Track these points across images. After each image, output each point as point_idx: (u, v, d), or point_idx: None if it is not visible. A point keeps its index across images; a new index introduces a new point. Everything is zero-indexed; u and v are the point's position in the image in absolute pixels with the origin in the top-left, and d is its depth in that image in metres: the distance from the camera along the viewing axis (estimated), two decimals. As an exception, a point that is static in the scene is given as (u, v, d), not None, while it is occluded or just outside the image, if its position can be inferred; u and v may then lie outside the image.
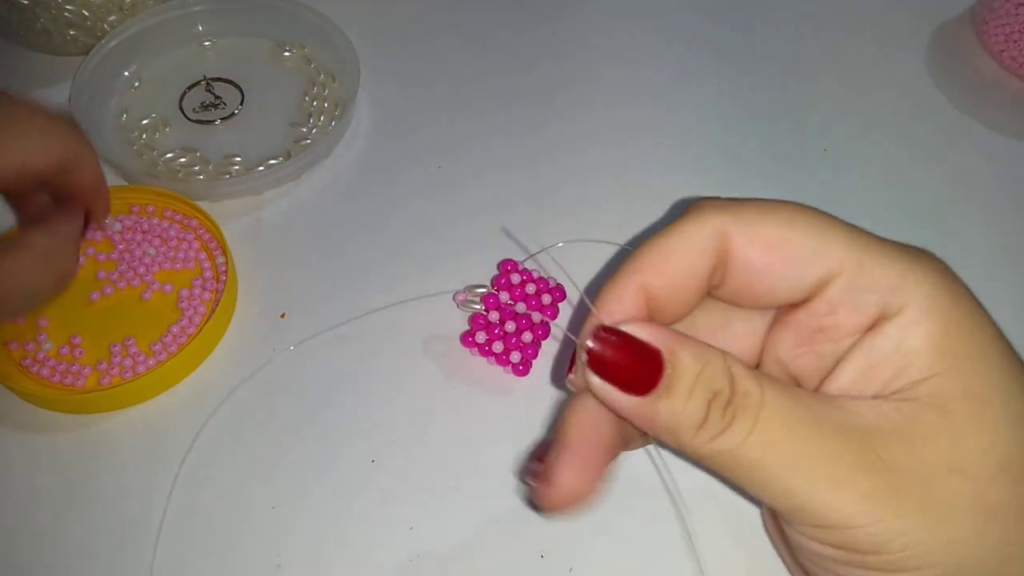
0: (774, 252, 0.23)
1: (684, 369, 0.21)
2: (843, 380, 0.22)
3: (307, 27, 0.48)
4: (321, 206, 0.43)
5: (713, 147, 0.45)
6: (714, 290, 0.24)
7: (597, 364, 0.22)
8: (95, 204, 0.35)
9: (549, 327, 0.38)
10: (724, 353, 0.22)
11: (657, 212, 0.42)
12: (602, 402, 0.22)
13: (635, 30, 0.51)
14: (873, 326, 0.22)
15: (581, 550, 0.32)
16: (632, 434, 0.26)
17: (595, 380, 0.22)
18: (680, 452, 0.22)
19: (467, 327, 0.38)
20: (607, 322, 0.23)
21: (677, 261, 0.23)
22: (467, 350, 0.38)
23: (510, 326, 0.37)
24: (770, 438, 0.20)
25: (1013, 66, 0.49)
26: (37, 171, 0.31)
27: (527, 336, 0.37)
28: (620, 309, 0.23)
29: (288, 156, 0.44)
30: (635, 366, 0.22)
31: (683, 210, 0.24)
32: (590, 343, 0.22)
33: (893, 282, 0.22)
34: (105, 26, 0.47)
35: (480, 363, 0.38)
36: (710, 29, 0.51)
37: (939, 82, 0.49)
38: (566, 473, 0.23)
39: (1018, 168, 0.45)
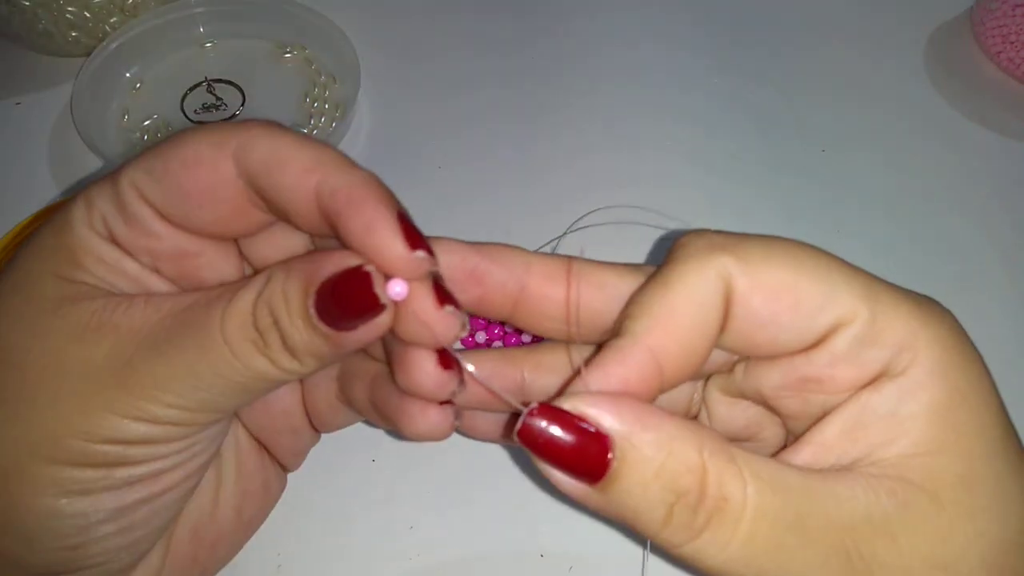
0: (781, 300, 0.20)
1: (638, 460, 0.18)
2: (828, 434, 0.21)
3: (308, 29, 0.48)
4: (322, 207, 0.43)
5: (712, 148, 0.45)
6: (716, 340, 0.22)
7: (530, 443, 0.19)
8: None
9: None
10: (702, 439, 0.19)
11: (657, 217, 0.42)
12: (551, 482, 0.20)
13: (635, 34, 0.51)
14: (872, 383, 0.20)
15: (581, 550, 0.33)
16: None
17: (538, 461, 0.19)
18: None
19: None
20: (597, 386, 0.20)
21: (685, 318, 0.20)
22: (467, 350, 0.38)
23: (510, 326, 0.37)
24: (751, 551, 0.19)
25: (1010, 68, 0.49)
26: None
27: (527, 336, 0.37)
28: (620, 375, 0.20)
29: (289, 157, 0.44)
30: (577, 451, 0.19)
31: (674, 246, 0.22)
32: (526, 419, 0.19)
33: (903, 339, 0.20)
34: (107, 27, 0.47)
35: (480, 363, 0.38)
36: (710, 32, 0.52)
37: (936, 83, 0.49)
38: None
39: (1015, 169, 0.46)
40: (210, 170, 0.22)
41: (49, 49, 0.48)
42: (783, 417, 0.23)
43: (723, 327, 0.21)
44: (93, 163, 0.44)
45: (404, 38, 0.51)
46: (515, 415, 0.19)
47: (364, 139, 0.46)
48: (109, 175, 0.23)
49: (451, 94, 0.48)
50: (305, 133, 0.23)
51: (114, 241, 0.23)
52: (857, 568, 0.19)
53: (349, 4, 0.51)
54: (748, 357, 0.23)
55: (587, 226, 0.41)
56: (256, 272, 0.25)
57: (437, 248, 0.22)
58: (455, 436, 0.35)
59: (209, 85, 0.47)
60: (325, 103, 0.47)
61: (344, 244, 0.21)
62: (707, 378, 0.25)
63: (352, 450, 0.35)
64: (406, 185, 0.44)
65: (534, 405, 0.19)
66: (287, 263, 0.22)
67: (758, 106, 0.48)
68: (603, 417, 0.19)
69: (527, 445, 0.19)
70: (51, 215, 0.24)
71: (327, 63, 0.48)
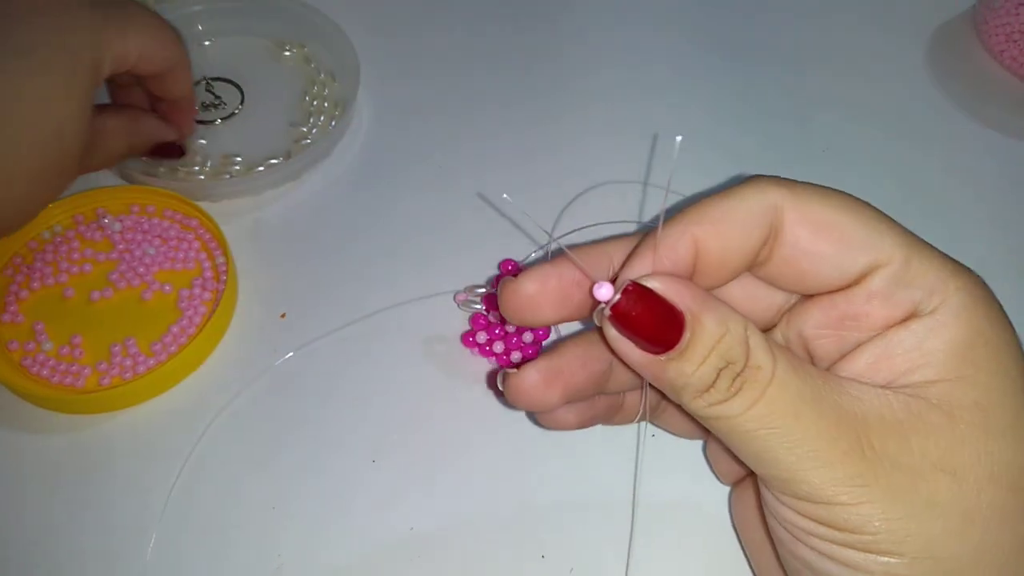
0: (826, 234, 0.23)
1: (704, 335, 0.21)
2: (858, 364, 0.23)
3: (307, 26, 0.48)
4: (321, 206, 0.43)
5: (714, 146, 0.45)
6: (757, 269, 0.24)
7: (620, 318, 0.22)
8: (185, 115, 0.40)
9: (549, 327, 0.38)
10: (746, 321, 0.22)
11: (657, 209, 0.42)
12: (613, 351, 0.23)
13: (635, 27, 0.51)
14: (902, 322, 0.22)
15: (582, 550, 0.33)
16: (615, 403, 0.28)
17: (612, 332, 0.22)
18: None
19: (468, 327, 0.38)
20: (656, 267, 0.23)
21: (733, 222, 0.23)
22: (468, 350, 0.38)
23: (511, 326, 0.37)
24: (771, 413, 0.21)
25: (1013, 66, 0.49)
26: (152, 65, 0.35)
27: (527, 336, 0.37)
28: (672, 257, 0.23)
29: (288, 156, 0.44)
30: (657, 326, 0.22)
31: (742, 181, 0.24)
32: (618, 298, 0.22)
33: (933, 283, 0.22)
34: (105, 26, 0.47)
35: (481, 363, 0.38)
36: (711, 28, 0.51)
37: (940, 81, 0.49)
38: (533, 371, 0.25)
39: (1018, 167, 0.45)
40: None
41: (47, 47, 0.48)
42: (820, 360, 0.25)
43: (769, 256, 0.23)
44: (92, 162, 0.44)
45: (404, 36, 0.51)
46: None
47: (363, 137, 0.46)
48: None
49: (451, 92, 0.48)
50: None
51: None
52: (867, 456, 0.21)
53: (348, 2, 0.51)
54: (790, 290, 0.25)
55: (586, 226, 0.41)
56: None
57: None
58: (455, 437, 0.35)
59: (208, 83, 0.47)
60: (324, 101, 0.47)
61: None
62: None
63: (352, 450, 0.35)
64: (406, 184, 0.44)
65: (627, 282, 0.22)
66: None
67: (760, 105, 0.48)
68: (681, 297, 0.22)
69: (619, 320, 0.22)
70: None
71: (326, 61, 0.48)
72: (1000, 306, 0.22)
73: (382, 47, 0.49)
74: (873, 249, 0.22)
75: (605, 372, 0.27)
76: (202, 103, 0.46)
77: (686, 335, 0.21)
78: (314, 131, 0.45)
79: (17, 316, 0.38)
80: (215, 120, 0.46)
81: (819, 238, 0.23)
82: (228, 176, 0.43)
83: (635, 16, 0.52)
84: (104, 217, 0.40)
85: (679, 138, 0.23)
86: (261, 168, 0.43)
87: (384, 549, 0.32)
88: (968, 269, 0.23)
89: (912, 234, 0.23)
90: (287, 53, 0.49)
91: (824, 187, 0.23)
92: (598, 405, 0.28)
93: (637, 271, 0.23)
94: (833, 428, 0.21)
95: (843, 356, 0.23)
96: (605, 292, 0.22)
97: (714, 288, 0.24)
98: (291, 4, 0.48)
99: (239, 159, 0.44)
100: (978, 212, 0.43)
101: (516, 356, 0.37)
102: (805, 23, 0.52)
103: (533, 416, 0.28)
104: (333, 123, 0.45)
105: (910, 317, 0.22)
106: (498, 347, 0.36)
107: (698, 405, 0.22)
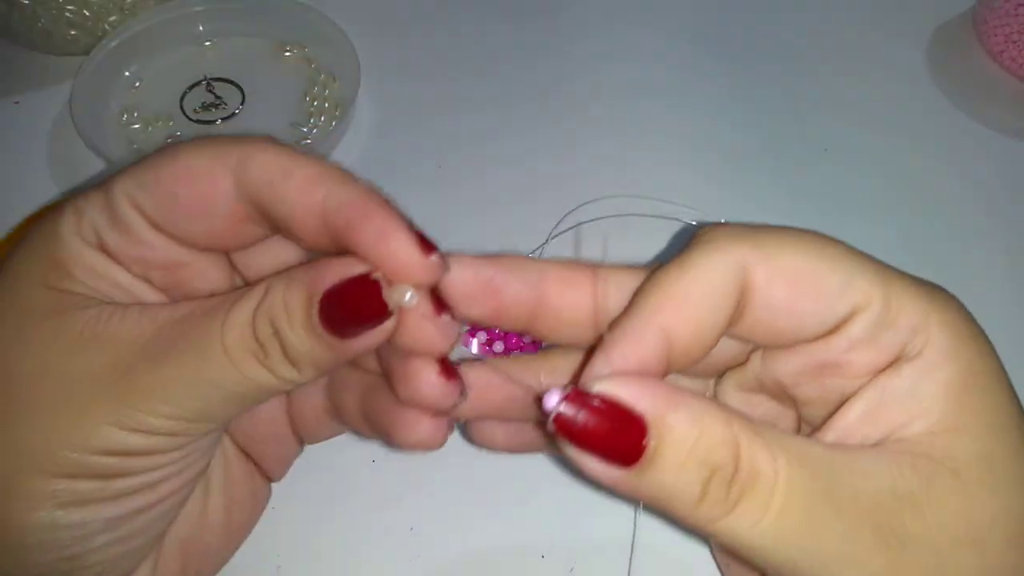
0: (800, 287, 0.20)
1: (675, 439, 0.18)
2: (850, 418, 0.21)
3: (308, 27, 0.48)
4: (321, 206, 0.43)
5: (714, 147, 0.45)
6: (731, 329, 0.22)
7: (566, 431, 0.19)
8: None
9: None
10: (729, 414, 0.19)
11: (658, 211, 0.42)
12: (580, 469, 0.19)
13: (636, 29, 0.51)
14: (889, 366, 0.21)
15: (582, 550, 0.33)
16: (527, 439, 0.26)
17: (568, 449, 0.19)
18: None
19: (467, 327, 0.38)
20: (616, 367, 0.20)
21: (701, 300, 0.20)
22: (466, 350, 0.38)
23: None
24: (785, 524, 0.18)
25: (1013, 67, 0.49)
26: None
27: (527, 336, 0.37)
28: (639, 354, 0.20)
29: (289, 156, 0.44)
30: (610, 436, 0.19)
31: (694, 236, 0.22)
32: (561, 407, 0.19)
33: (916, 321, 0.20)
34: (106, 26, 0.47)
35: (480, 363, 0.37)
36: (711, 30, 0.51)
37: (939, 82, 0.49)
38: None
39: (1017, 168, 0.45)
40: (207, 183, 0.22)
41: (48, 48, 0.48)
42: (800, 404, 0.23)
43: (741, 315, 0.21)
44: (92, 162, 0.44)
45: (404, 36, 0.51)
46: (542, 419, 0.19)
47: (364, 138, 0.46)
48: (99, 185, 0.23)
49: (451, 92, 0.48)
50: (301, 148, 0.23)
51: (104, 251, 0.23)
52: (889, 543, 0.19)
53: (349, 2, 0.51)
54: (768, 346, 0.23)
55: (589, 220, 0.41)
56: (246, 283, 0.25)
57: (451, 262, 0.22)
58: (454, 437, 0.35)
59: (209, 84, 0.47)
60: (325, 102, 0.47)
61: (353, 254, 0.21)
62: (720, 374, 0.25)
63: (352, 451, 0.35)
64: (406, 184, 0.44)
65: (567, 390, 0.19)
66: (286, 273, 0.22)
67: (760, 106, 0.48)
68: (638, 399, 0.19)
69: (564, 434, 0.19)
70: (35, 225, 0.23)
71: (327, 61, 0.48)
72: (982, 333, 0.21)
73: (382, 48, 0.49)
74: (851, 294, 0.20)
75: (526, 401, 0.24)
76: (203, 103, 0.47)
77: (650, 442, 0.18)
78: (314, 132, 0.45)
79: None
80: (216, 120, 0.46)
81: (796, 294, 0.21)
82: (228, 176, 0.43)
83: (636, 17, 0.52)
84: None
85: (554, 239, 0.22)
86: (261, 168, 0.43)
87: (384, 550, 0.32)
88: (941, 291, 0.21)
89: (885, 266, 0.21)
90: (288, 54, 0.49)
91: (788, 230, 0.21)
92: (529, 433, 0.26)
93: (596, 371, 0.20)
94: (855, 522, 0.19)
95: (831, 409, 0.21)
96: (551, 401, 0.19)
97: (690, 367, 0.22)
98: (292, 5, 0.48)
99: (239, 159, 0.44)
100: (977, 212, 0.43)
101: (499, 346, 0.37)
102: (805, 24, 0.52)
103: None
104: (333, 124, 0.45)
105: (898, 360, 0.20)
106: (498, 347, 0.36)
107: (695, 520, 0.19)
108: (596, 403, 0.19)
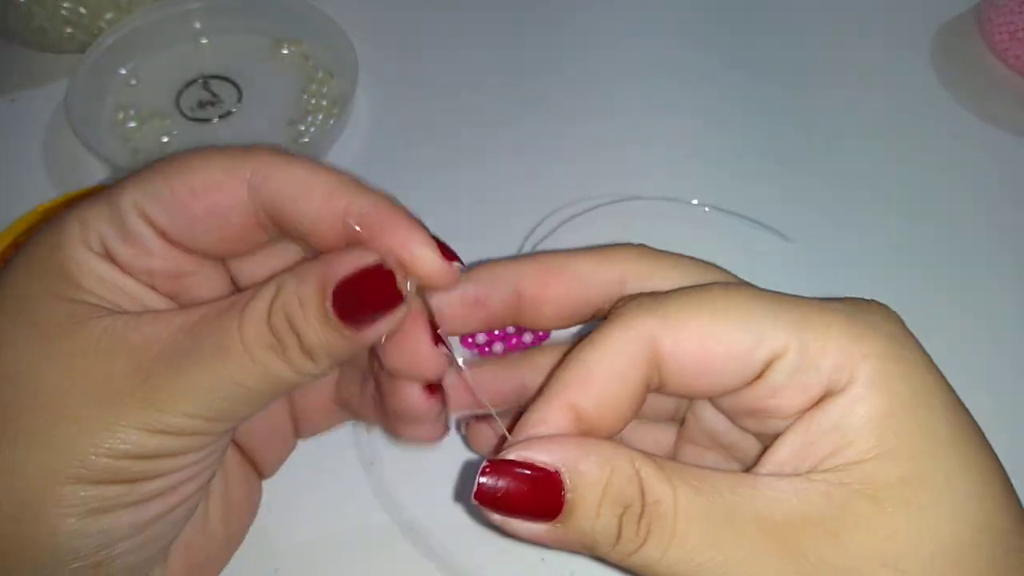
0: (709, 350, 0.21)
1: (588, 485, 0.20)
2: (780, 455, 0.21)
3: (305, 24, 0.48)
4: (319, 205, 0.43)
5: (718, 147, 0.45)
6: (658, 390, 0.23)
7: (489, 501, 0.20)
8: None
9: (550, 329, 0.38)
10: (631, 453, 0.20)
11: (662, 212, 0.42)
12: (508, 533, 0.21)
13: (638, 27, 0.51)
14: (818, 403, 0.21)
15: (582, 555, 0.32)
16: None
17: (496, 517, 0.20)
18: None
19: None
20: (531, 433, 0.21)
21: (605, 377, 0.22)
22: (467, 351, 0.37)
23: (510, 327, 0.37)
24: (689, 550, 0.19)
25: (1017, 64, 0.48)
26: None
27: (527, 336, 0.37)
28: (548, 430, 0.21)
29: (286, 154, 0.44)
30: (532, 495, 0.20)
31: (610, 310, 0.23)
32: (480, 479, 0.20)
33: (838, 358, 0.20)
34: (102, 24, 0.47)
35: (479, 364, 0.37)
36: (715, 27, 0.51)
37: (943, 80, 0.49)
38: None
39: (1021, 165, 0.45)
40: (221, 195, 0.23)
41: (44, 45, 0.47)
42: (740, 456, 0.24)
43: (663, 380, 0.22)
44: (88, 160, 0.43)
45: (402, 33, 0.51)
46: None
47: (362, 135, 0.46)
48: (103, 195, 0.23)
49: (450, 89, 0.48)
50: (307, 154, 0.24)
51: (111, 260, 0.23)
52: (800, 566, 0.19)
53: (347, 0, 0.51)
54: (698, 398, 0.25)
55: (585, 211, 0.41)
56: (238, 288, 0.26)
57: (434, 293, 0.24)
58: (453, 438, 0.35)
59: (205, 81, 0.47)
60: (323, 99, 0.46)
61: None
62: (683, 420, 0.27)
63: (350, 454, 0.34)
64: (404, 180, 0.44)
65: (483, 464, 0.20)
66: (295, 268, 0.22)
67: (764, 102, 0.47)
68: (549, 453, 0.20)
69: (487, 504, 0.20)
70: (35, 236, 0.23)
71: (324, 59, 0.48)
72: (916, 357, 0.21)
73: (380, 45, 0.49)
74: (764, 345, 0.21)
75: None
76: (199, 101, 0.46)
77: (566, 492, 0.20)
78: (312, 129, 0.45)
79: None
80: (212, 118, 0.46)
81: (705, 358, 0.21)
82: (225, 175, 0.43)
83: (636, 16, 0.52)
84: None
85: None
86: (259, 167, 0.43)
87: (383, 552, 0.32)
88: (874, 320, 0.21)
89: (800, 304, 0.21)
90: (285, 51, 0.49)
91: (697, 292, 0.22)
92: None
93: (511, 445, 0.21)
94: (760, 545, 0.19)
95: (765, 449, 0.22)
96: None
97: (614, 434, 0.23)
98: (289, 2, 0.48)
99: (236, 158, 0.44)
100: (983, 210, 0.43)
101: (499, 347, 0.36)
102: (808, 21, 0.52)
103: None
104: (331, 121, 0.45)
105: (825, 397, 0.21)
106: (498, 347, 0.36)
107: (617, 558, 0.20)
108: (512, 468, 0.20)
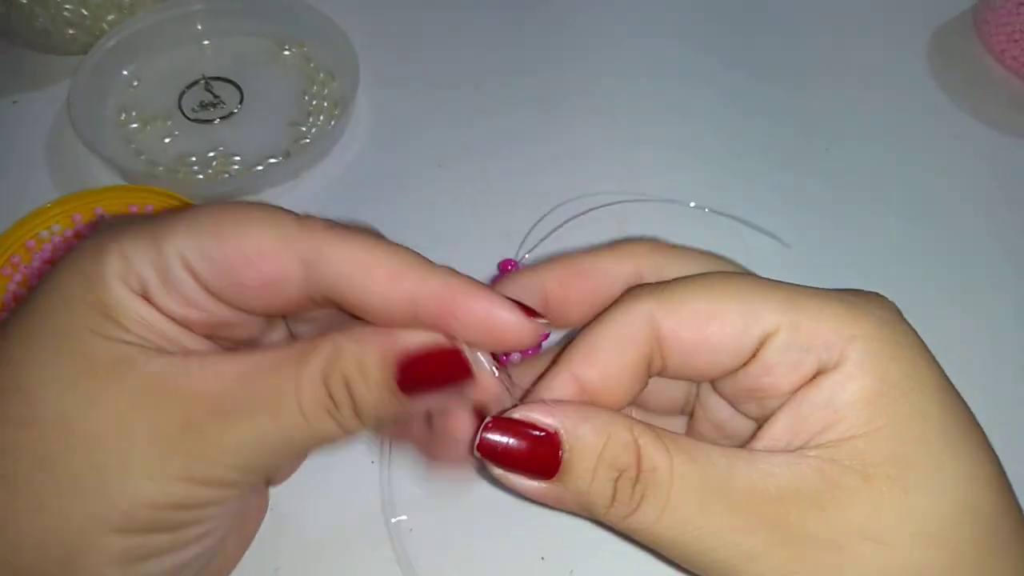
0: (704, 328, 0.22)
1: (584, 448, 0.21)
2: (774, 430, 0.22)
3: (306, 26, 0.48)
4: (320, 205, 0.43)
5: (717, 147, 0.45)
6: (661, 373, 0.24)
7: (491, 455, 0.21)
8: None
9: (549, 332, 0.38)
10: (631, 422, 0.21)
11: (660, 214, 0.42)
12: (508, 487, 0.22)
13: (638, 28, 0.51)
14: (810, 381, 0.22)
15: (582, 552, 0.32)
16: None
17: (496, 470, 0.22)
18: None
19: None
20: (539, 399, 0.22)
21: (607, 352, 0.23)
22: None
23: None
24: (682, 517, 0.20)
25: (1014, 66, 0.49)
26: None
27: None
28: (554, 396, 0.23)
29: (287, 155, 0.44)
30: (531, 452, 0.21)
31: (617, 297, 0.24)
32: (483, 434, 0.21)
33: (829, 338, 0.21)
34: (104, 25, 0.47)
35: (480, 363, 0.37)
36: (713, 29, 0.51)
37: (940, 81, 0.49)
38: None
39: (1018, 166, 0.45)
40: (275, 267, 0.22)
41: (46, 47, 0.48)
42: (740, 437, 0.25)
43: (664, 360, 0.23)
44: (90, 161, 0.44)
45: (403, 34, 0.51)
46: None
47: (362, 136, 0.46)
48: (146, 231, 0.22)
49: (450, 90, 0.48)
50: (372, 231, 0.23)
51: (149, 302, 0.22)
52: (788, 539, 0.20)
53: (348, 1, 0.51)
54: (696, 380, 0.26)
55: (584, 212, 0.41)
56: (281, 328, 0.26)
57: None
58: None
59: (207, 83, 0.47)
60: (324, 100, 0.46)
61: (449, 333, 0.22)
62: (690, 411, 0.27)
63: (351, 453, 0.35)
64: (405, 181, 0.44)
65: (487, 420, 0.21)
66: (355, 332, 0.22)
67: (762, 104, 0.47)
68: (549, 417, 0.21)
69: (489, 457, 0.21)
70: (71, 262, 0.22)
71: (326, 60, 0.48)
72: (910, 341, 0.22)
73: (381, 46, 0.49)
74: (756, 324, 0.22)
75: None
76: (201, 102, 0.46)
77: (564, 453, 0.21)
78: (313, 130, 0.45)
79: (15, 316, 0.38)
80: (214, 120, 0.46)
81: (702, 336, 0.22)
82: (227, 176, 0.43)
83: (637, 16, 0.52)
84: (102, 217, 0.40)
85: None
86: (260, 168, 0.43)
87: (383, 552, 0.32)
88: (869, 306, 0.22)
89: (795, 290, 0.22)
90: (286, 52, 0.49)
91: (693, 278, 0.23)
92: None
93: (519, 410, 0.22)
94: (751, 516, 0.20)
95: (760, 425, 0.23)
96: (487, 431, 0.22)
97: (619, 408, 0.24)
98: (290, 3, 0.48)
99: (238, 159, 0.44)
100: (979, 211, 0.43)
101: (516, 356, 0.36)
102: (806, 22, 0.52)
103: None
104: (332, 122, 0.45)
105: (817, 375, 0.22)
106: (515, 356, 0.36)
107: (611, 520, 0.21)
108: (515, 426, 0.21)
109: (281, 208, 0.23)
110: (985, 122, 0.47)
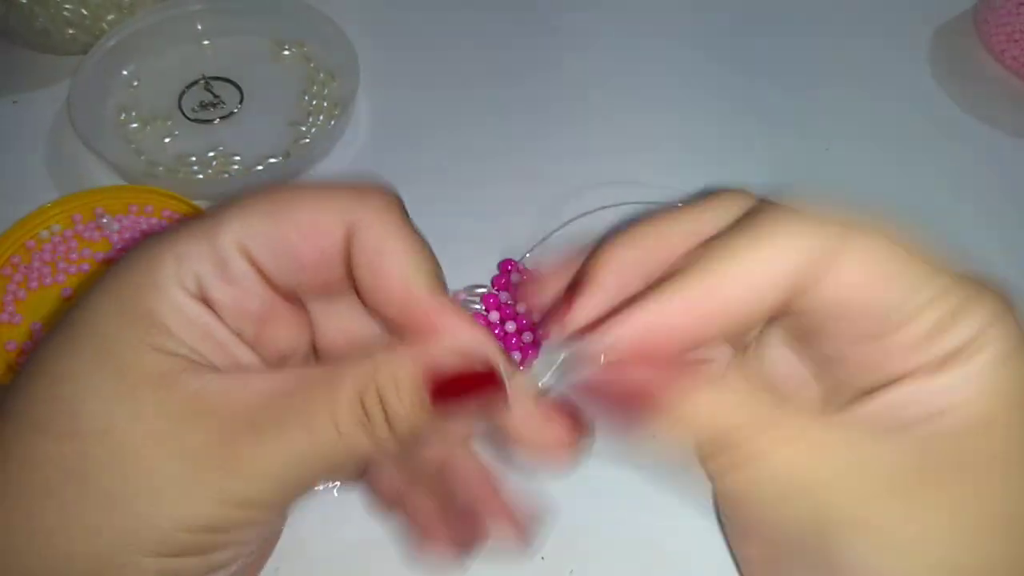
0: (873, 283, 0.21)
1: (696, 406, 0.21)
2: (888, 399, 0.21)
3: (306, 26, 0.48)
4: (320, 206, 0.43)
5: (717, 146, 0.45)
6: (774, 319, 0.23)
7: (594, 393, 0.22)
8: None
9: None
10: (745, 396, 0.21)
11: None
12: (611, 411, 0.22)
13: (637, 28, 0.51)
14: (940, 362, 0.21)
15: (581, 552, 0.32)
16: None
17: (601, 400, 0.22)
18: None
19: (481, 304, 0.38)
20: (669, 318, 0.21)
21: (745, 291, 0.21)
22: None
23: (510, 326, 0.37)
24: (794, 473, 0.20)
25: (1015, 66, 0.49)
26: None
27: (527, 336, 0.37)
28: (687, 317, 0.21)
29: (287, 155, 0.44)
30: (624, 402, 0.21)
31: (753, 211, 0.22)
32: (590, 376, 0.21)
33: (976, 329, 0.20)
34: (104, 25, 0.47)
35: (480, 363, 0.37)
36: (712, 28, 0.51)
37: (940, 81, 0.49)
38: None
39: (1019, 167, 0.45)
40: (329, 241, 0.22)
41: (46, 47, 0.48)
42: (841, 365, 0.23)
43: (787, 309, 0.21)
44: (91, 161, 0.43)
45: (403, 34, 0.51)
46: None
47: (363, 136, 0.46)
48: (200, 228, 0.22)
49: (451, 90, 0.48)
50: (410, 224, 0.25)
51: (204, 302, 0.22)
52: (909, 511, 0.20)
53: (348, 1, 0.51)
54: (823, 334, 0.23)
55: (583, 214, 0.41)
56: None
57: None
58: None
59: (207, 83, 0.47)
60: (324, 100, 0.46)
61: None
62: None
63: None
64: (405, 181, 0.44)
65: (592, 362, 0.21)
66: (391, 350, 0.22)
67: (761, 104, 0.47)
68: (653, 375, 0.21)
69: (593, 395, 0.22)
70: (124, 269, 0.22)
71: (326, 60, 0.48)
72: None
73: (382, 46, 0.49)
74: (915, 300, 0.20)
75: None
76: (201, 102, 0.46)
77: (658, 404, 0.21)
78: (313, 131, 0.45)
79: (15, 316, 0.38)
80: (214, 120, 0.46)
81: (868, 298, 0.21)
82: (227, 176, 0.43)
83: (637, 22, 0.52)
84: (102, 217, 0.40)
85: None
86: (260, 168, 0.43)
87: (383, 552, 0.32)
88: (1006, 305, 0.21)
89: (952, 272, 0.22)
90: (286, 52, 0.49)
91: (866, 230, 0.22)
92: None
93: (634, 317, 0.22)
94: (856, 484, 0.20)
95: (867, 391, 0.22)
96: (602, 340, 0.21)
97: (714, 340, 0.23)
98: (290, 3, 0.48)
99: (238, 158, 0.44)
100: (980, 212, 0.43)
101: (515, 355, 0.36)
102: (806, 24, 0.52)
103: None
104: (332, 122, 0.45)
105: (947, 361, 0.20)
106: (510, 326, 0.36)
107: (708, 472, 0.21)
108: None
109: (327, 180, 0.23)
110: (985, 122, 0.47)
